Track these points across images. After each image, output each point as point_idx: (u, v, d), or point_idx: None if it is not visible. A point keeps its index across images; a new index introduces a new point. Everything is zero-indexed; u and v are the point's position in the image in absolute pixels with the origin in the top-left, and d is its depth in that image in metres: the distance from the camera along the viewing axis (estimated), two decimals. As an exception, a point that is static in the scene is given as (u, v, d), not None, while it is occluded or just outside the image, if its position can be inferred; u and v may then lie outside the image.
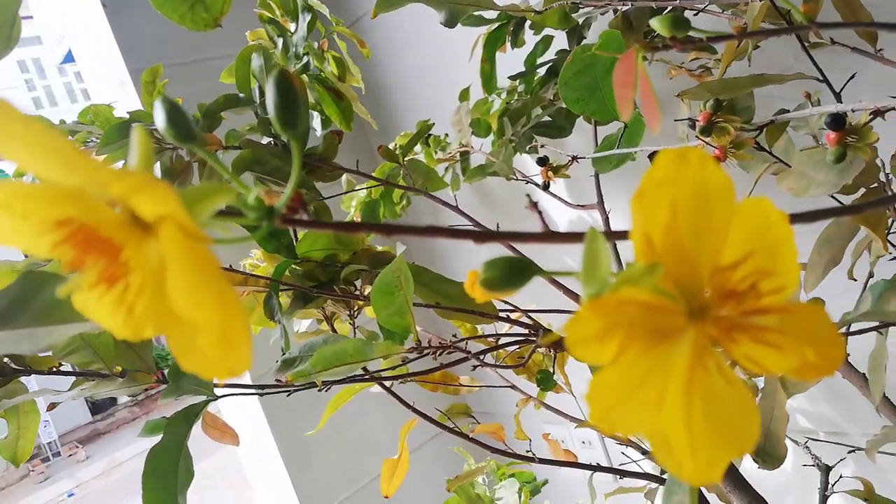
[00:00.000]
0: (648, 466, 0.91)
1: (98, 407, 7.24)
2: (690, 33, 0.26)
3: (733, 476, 0.66)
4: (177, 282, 0.13)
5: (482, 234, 0.18)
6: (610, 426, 0.15)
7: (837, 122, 0.37)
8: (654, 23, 0.25)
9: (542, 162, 0.76)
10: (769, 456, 0.65)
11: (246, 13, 0.89)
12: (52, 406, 0.55)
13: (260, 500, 1.42)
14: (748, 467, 0.65)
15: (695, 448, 0.15)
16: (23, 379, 0.52)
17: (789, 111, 0.48)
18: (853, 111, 0.37)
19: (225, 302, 0.13)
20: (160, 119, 0.16)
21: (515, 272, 0.17)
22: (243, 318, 0.13)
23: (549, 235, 0.18)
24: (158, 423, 0.52)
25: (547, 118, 0.93)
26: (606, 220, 0.81)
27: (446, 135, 1.13)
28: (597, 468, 0.85)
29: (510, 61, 0.89)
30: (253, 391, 0.58)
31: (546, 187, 0.75)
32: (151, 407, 7.24)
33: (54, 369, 0.53)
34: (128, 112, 0.78)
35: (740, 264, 0.15)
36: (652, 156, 0.67)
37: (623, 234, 0.19)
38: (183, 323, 0.13)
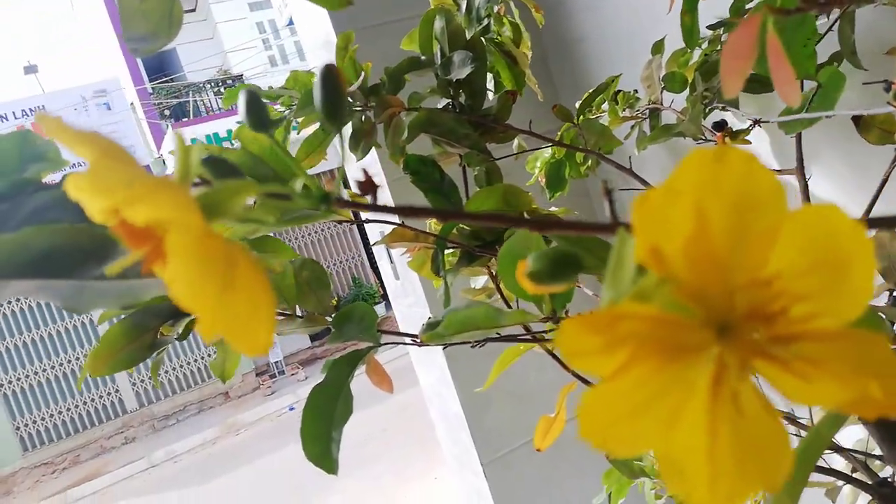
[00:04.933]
0: (839, 464, 0.82)
1: (316, 335, 8.21)
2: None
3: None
4: (172, 276, 0.14)
5: (539, 223, 0.18)
6: (603, 443, 0.14)
7: None
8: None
9: (720, 126, 0.69)
10: None
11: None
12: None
13: (441, 437, 1.52)
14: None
15: (715, 477, 0.13)
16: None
17: None
18: None
19: (233, 293, 0.14)
20: (241, 107, 0.18)
21: (562, 265, 0.16)
22: (254, 309, 0.15)
23: (594, 226, 0.17)
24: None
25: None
26: (805, 188, 0.72)
27: (635, 91, 1.07)
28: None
29: (713, 9, 0.81)
30: (410, 341, 0.62)
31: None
32: (361, 337, 8.01)
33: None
34: (321, 77, 0.85)
35: (780, 280, 0.13)
36: (857, 118, 0.58)
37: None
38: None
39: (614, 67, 1.19)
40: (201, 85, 8.84)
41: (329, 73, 0.16)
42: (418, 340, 0.64)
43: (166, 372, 7.18)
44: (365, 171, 0.19)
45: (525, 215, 0.73)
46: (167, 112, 8.82)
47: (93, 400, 6.99)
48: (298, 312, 0.65)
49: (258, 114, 0.18)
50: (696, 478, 0.14)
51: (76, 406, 6.92)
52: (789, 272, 0.13)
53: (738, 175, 0.13)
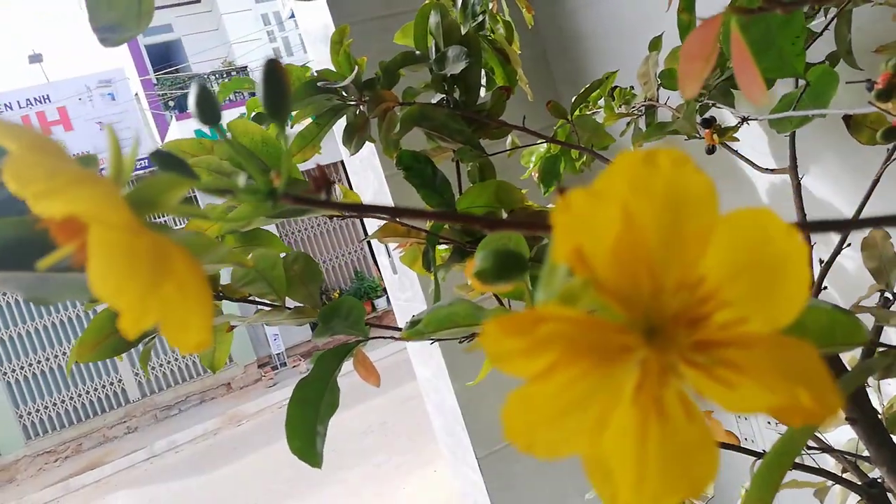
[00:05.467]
0: (828, 463, 0.82)
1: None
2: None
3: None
4: (92, 271, 0.14)
5: (494, 222, 0.18)
6: (528, 446, 0.13)
7: None
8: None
9: (708, 123, 0.68)
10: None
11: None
12: (230, 328, 0.63)
13: (437, 430, 1.53)
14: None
15: (642, 480, 0.13)
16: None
17: None
18: None
19: (165, 290, 0.14)
20: (191, 101, 0.18)
21: (508, 265, 0.16)
22: (188, 306, 0.15)
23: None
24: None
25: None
26: (798, 187, 0.72)
27: (631, 87, 1.07)
28: (763, 455, 0.78)
29: (713, 6, 0.81)
30: (398, 336, 0.62)
31: (710, 152, 0.68)
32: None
33: (245, 298, 0.62)
34: (315, 71, 0.84)
35: (708, 283, 0.12)
36: (848, 119, 0.57)
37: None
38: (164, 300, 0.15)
39: (616, 64, 1.19)
40: (206, 76, 8.83)
41: (271, 68, 0.16)
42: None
43: (168, 362, 7.22)
44: (319, 167, 0.19)
45: (503, 214, 0.73)
46: (171, 103, 8.83)
47: (95, 389, 7.03)
48: (289, 304, 0.65)
49: (209, 107, 0.18)
50: (622, 480, 0.13)
51: (79, 395, 6.97)
52: (719, 276, 0.13)
53: (668, 177, 0.12)
